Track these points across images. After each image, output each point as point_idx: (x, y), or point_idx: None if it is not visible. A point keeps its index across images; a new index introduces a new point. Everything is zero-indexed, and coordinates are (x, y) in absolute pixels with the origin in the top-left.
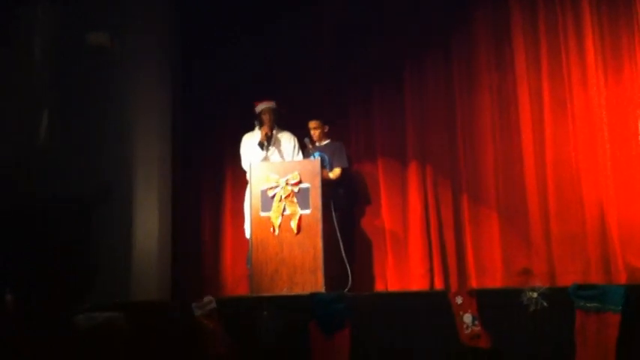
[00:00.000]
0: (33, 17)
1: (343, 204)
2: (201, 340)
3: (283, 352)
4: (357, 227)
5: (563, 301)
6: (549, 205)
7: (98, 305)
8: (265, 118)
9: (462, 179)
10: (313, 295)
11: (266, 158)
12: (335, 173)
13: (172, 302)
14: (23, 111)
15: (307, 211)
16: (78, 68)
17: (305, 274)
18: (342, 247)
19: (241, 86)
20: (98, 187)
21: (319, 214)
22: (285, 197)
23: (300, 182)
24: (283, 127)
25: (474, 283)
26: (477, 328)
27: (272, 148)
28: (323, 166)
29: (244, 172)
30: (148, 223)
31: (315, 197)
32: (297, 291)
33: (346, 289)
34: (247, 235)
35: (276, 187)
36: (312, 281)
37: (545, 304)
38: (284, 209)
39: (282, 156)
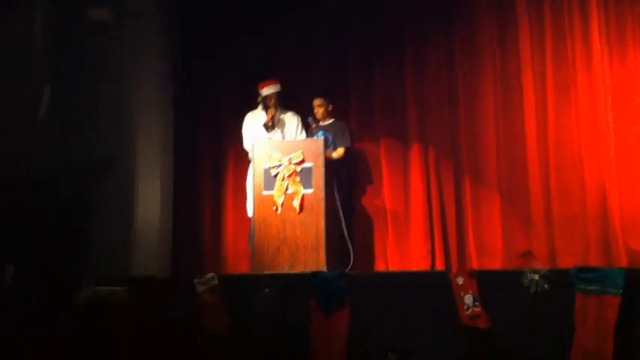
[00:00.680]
0: None
1: (346, 183)
2: (201, 316)
3: (283, 330)
4: (358, 207)
5: (563, 283)
6: (551, 187)
7: (100, 280)
8: (271, 102)
9: (463, 160)
10: (315, 274)
11: (270, 139)
12: (338, 153)
13: (174, 277)
14: (24, 86)
15: (310, 191)
16: (79, 43)
17: (307, 252)
18: (344, 226)
19: (243, 60)
20: (99, 163)
21: (322, 194)
22: (288, 176)
23: (303, 161)
24: (286, 107)
25: (474, 264)
26: (477, 309)
27: (276, 129)
28: (326, 146)
29: (246, 151)
30: (149, 198)
31: (318, 176)
32: (299, 269)
33: (347, 268)
34: (249, 213)
35: (279, 165)
36: (313, 260)
37: (545, 286)
38: (287, 188)
39: (285, 137)
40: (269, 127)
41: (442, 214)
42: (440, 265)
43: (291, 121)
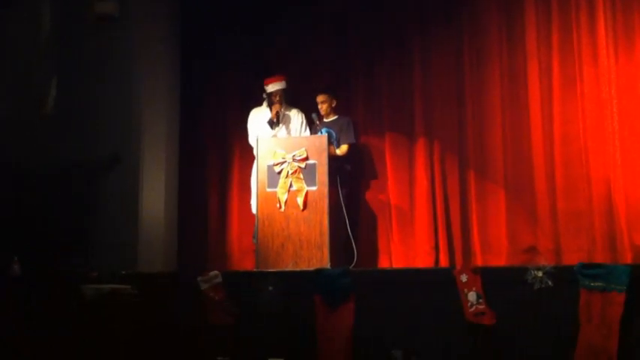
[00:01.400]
0: None
1: (349, 180)
2: (206, 311)
3: (287, 327)
4: (363, 203)
5: (568, 280)
6: (556, 182)
7: (105, 276)
8: (276, 99)
9: (469, 155)
10: (319, 271)
11: (274, 136)
12: (342, 150)
13: (177, 275)
14: (32, 79)
15: (314, 188)
16: (83, 41)
17: (311, 249)
18: (347, 223)
19: (248, 56)
20: (105, 156)
21: (326, 191)
22: (292, 173)
23: (307, 158)
24: (291, 103)
25: (479, 261)
26: (482, 306)
27: (280, 126)
28: (330, 142)
29: (252, 146)
30: (154, 195)
31: (322, 173)
32: (303, 266)
33: (351, 266)
34: (254, 210)
35: (283, 162)
36: (317, 257)
37: (550, 282)
38: (290, 185)
39: (289, 133)
40: (274, 123)
41: (447, 210)
42: (444, 262)
43: (295, 117)
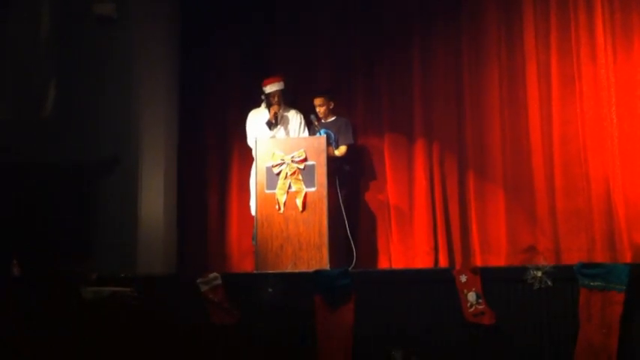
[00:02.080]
0: None
1: (348, 181)
2: (208, 311)
3: (287, 328)
4: (362, 204)
5: (567, 279)
6: (555, 181)
7: (105, 279)
8: (274, 100)
9: (468, 155)
10: (318, 272)
11: (273, 137)
12: (341, 151)
13: (177, 277)
14: (31, 80)
15: (312, 189)
16: (83, 41)
17: (310, 250)
18: (346, 224)
19: (248, 56)
20: (104, 158)
21: (324, 192)
22: (291, 174)
23: (305, 159)
24: (289, 104)
25: (478, 261)
26: (481, 306)
27: (279, 127)
28: (329, 143)
29: (250, 148)
30: (154, 196)
31: (321, 175)
32: (302, 268)
33: (351, 267)
34: (253, 211)
35: (282, 164)
36: (317, 258)
37: (549, 282)
38: (289, 186)
39: (288, 134)
40: (272, 124)
41: (446, 210)
42: (444, 262)
43: (294, 118)
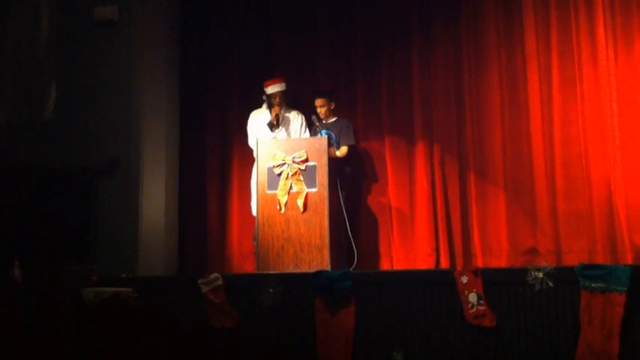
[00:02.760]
0: None
1: (350, 182)
2: (208, 314)
3: (288, 329)
4: (363, 205)
5: (568, 281)
6: (556, 183)
7: (106, 280)
8: (275, 101)
9: (469, 157)
10: (319, 273)
11: (274, 138)
12: (342, 151)
13: (178, 278)
14: (32, 82)
15: (314, 190)
16: (84, 43)
17: (311, 251)
18: (347, 225)
19: (248, 57)
20: (105, 160)
21: (326, 192)
22: (292, 175)
23: (306, 160)
24: (290, 105)
25: (479, 262)
26: (482, 308)
27: (280, 128)
28: (330, 144)
29: (251, 149)
30: (155, 198)
31: (322, 175)
32: (303, 268)
33: (352, 268)
34: (254, 212)
35: (283, 164)
36: (318, 259)
37: (550, 283)
38: (290, 187)
39: (289, 135)
40: (273, 125)
41: (447, 212)
42: (445, 263)
43: (295, 119)
